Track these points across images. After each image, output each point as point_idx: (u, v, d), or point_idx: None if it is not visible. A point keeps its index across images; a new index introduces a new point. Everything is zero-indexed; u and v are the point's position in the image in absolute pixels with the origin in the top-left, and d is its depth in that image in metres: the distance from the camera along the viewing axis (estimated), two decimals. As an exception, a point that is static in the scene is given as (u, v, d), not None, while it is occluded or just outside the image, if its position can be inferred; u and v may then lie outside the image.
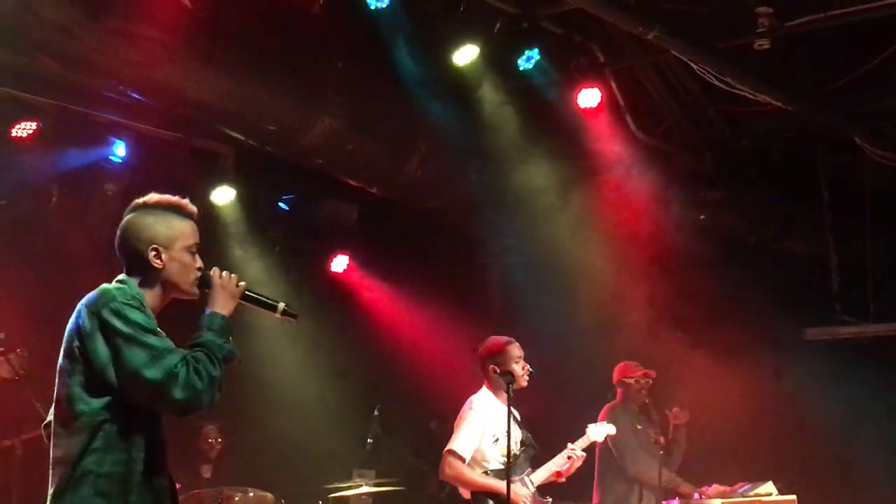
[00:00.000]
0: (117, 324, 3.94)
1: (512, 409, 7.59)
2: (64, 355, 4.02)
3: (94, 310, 3.99)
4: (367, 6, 8.36)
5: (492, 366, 7.60)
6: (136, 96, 7.86)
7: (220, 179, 9.67)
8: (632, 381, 9.18)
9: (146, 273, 4.17)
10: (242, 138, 8.69)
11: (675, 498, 9.09)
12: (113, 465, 3.94)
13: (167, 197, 4.28)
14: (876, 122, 9.72)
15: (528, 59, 8.91)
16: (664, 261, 10.32)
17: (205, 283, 4.23)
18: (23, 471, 7.60)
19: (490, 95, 9.44)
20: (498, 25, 8.73)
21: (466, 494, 7.55)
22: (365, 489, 8.83)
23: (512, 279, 11.80)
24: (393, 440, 9.50)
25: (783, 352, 10.51)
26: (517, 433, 7.63)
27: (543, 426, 8.61)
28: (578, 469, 7.83)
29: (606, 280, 10.60)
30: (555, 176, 9.98)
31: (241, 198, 9.75)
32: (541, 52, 8.95)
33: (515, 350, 7.58)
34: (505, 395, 7.45)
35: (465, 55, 8.98)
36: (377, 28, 8.77)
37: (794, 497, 8.99)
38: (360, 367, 10.83)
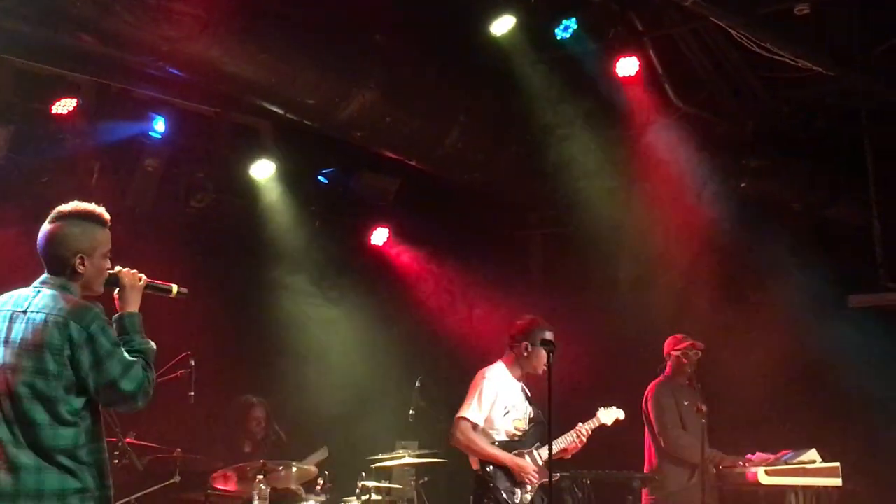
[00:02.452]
0: (102, 340, 4.59)
1: (524, 385, 7.80)
2: (48, 360, 4.56)
3: (83, 325, 4.59)
4: (404, -22, 8.35)
5: (525, 343, 7.67)
6: (175, 72, 7.88)
7: (259, 154, 9.70)
8: (679, 352, 9.16)
9: (70, 276, 4.75)
10: (281, 112, 8.69)
11: (717, 468, 9.08)
12: (98, 453, 4.65)
13: (87, 207, 4.81)
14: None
15: (566, 29, 8.87)
16: (706, 229, 10.25)
17: (113, 282, 4.87)
18: None
19: (528, 66, 9.39)
20: (535, -5, 8.69)
21: (475, 464, 7.62)
22: (408, 460, 8.87)
23: (553, 250, 11.78)
24: (435, 411, 9.51)
25: (827, 319, 10.42)
26: (528, 408, 7.71)
27: (583, 395, 8.63)
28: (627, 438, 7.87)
29: (647, 249, 10.57)
30: (594, 146, 9.93)
31: (281, 172, 9.77)
32: (578, 22, 8.90)
33: (548, 337, 7.63)
34: (520, 373, 7.73)
35: (503, 25, 8.95)
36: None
37: (837, 464, 8.94)
38: (402, 339, 10.85)
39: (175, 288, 5.13)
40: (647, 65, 9.42)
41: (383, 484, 8.86)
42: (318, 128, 9.03)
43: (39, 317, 4.61)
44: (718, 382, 9.58)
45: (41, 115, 8.38)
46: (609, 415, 8.07)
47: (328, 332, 10.29)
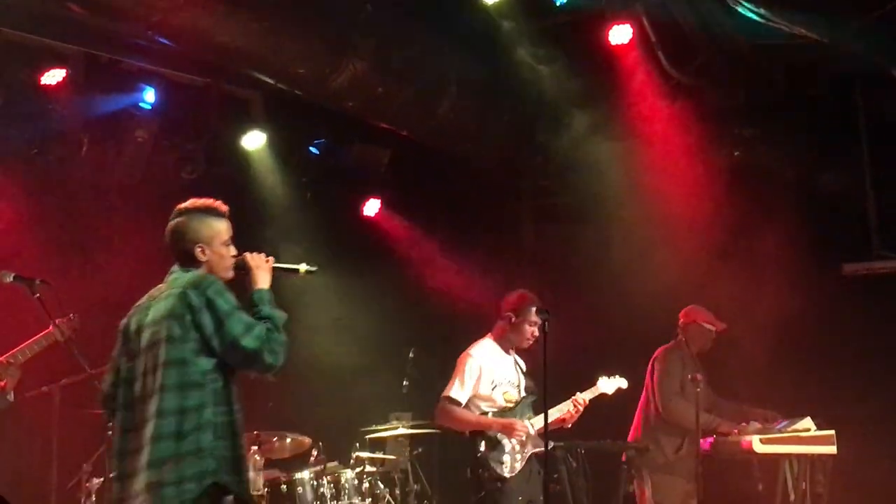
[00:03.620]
0: (220, 302, 4.99)
1: (517, 357, 7.87)
2: (175, 327, 4.97)
3: (200, 290, 5.01)
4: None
5: (510, 315, 7.70)
6: (165, 41, 7.82)
7: (250, 125, 9.65)
8: (710, 328, 9.14)
9: (193, 265, 5.19)
10: (272, 83, 8.64)
11: (711, 436, 9.08)
12: (224, 415, 4.99)
13: (203, 201, 5.28)
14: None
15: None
16: (699, 197, 10.23)
17: (241, 266, 5.28)
18: (60, 414, 7.71)
19: (521, 35, 9.34)
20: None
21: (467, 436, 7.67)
22: (402, 431, 8.86)
23: (545, 220, 11.75)
24: (429, 383, 9.50)
25: (820, 286, 10.41)
26: (521, 380, 7.73)
27: (577, 364, 8.62)
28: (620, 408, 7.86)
29: (641, 220, 10.54)
30: (588, 115, 9.89)
31: (272, 143, 9.73)
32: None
33: (534, 315, 7.66)
34: (509, 346, 7.80)
35: (496, -7, 8.90)
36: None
37: (832, 432, 8.95)
38: (395, 310, 10.81)
39: (303, 267, 5.55)
40: (640, 33, 9.36)
41: (377, 455, 8.86)
42: (309, 98, 8.98)
43: (165, 294, 5.09)
44: (713, 352, 9.58)
45: (29, 86, 8.31)
46: (611, 384, 8.07)
47: (320, 303, 10.25)
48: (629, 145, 10.14)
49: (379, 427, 8.80)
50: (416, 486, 9.08)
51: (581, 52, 9.61)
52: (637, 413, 9.16)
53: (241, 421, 5.06)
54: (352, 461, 8.54)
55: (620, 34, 9.26)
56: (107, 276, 8.74)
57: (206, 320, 4.97)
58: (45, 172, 8.76)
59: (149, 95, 8.95)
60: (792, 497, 9.07)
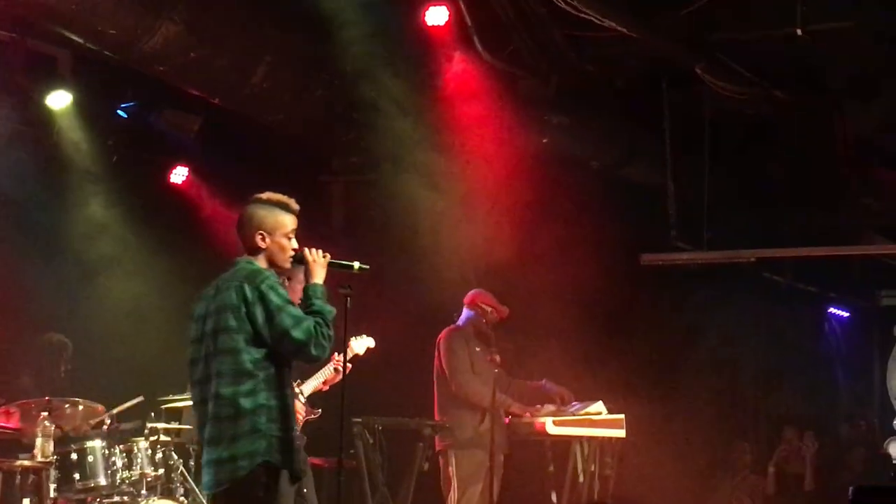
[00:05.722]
0: (272, 296, 5.46)
1: None
2: (230, 318, 5.47)
3: (254, 285, 5.48)
4: None
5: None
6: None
7: (56, 84, 9.38)
8: (488, 309, 9.28)
9: (254, 252, 5.68)
10: (80, 41, 8.41)
11: (507, 417, 9.25)
12: (276, 399, 5.47)
13: (276, 195, 5.76)
14: (716, 52, 9.86)
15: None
16: (507, 183, 10.37)
17: (299, 260, 5.72)
18: None
19: (339, 9, 9.30)
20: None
21: None
22: (198, 402, 8.75)
23: (355, 197, 11.75)
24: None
25: (620, 275, 10.70)
26: None
27: (386, 343, 8.68)
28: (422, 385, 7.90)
29: (450, 200, 10.63)
30: (401, 94, 9.91)
31: (78, 103, 9.48)
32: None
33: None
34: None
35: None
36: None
37: (622, 416, 9.23)
38: (198, 279, 10.61)
39: (357, 264, 5.97)
40: (456, 15, 9.43)
41: (172, 425, 8.73)
42: (119, 60, 8.78)
43: (224, 286, 5.58)
44: (515, 336, 9.77)
45: None
46: (361, 344, 8.20)
47: (120, 268, 10.06)
48: (440, 127, 10.20)
49: (175, 397, 8.68)
50: (211, 458, 8.99)
51: (399, 31, 9.63)
52: (434, 395, 9.26)
53: (291, 404, 5.59)
54: (146, 431, 8.41)
55: (437, 15, 9.33)
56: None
57: (259, 313, 5.44)
58: None
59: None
60: (581, 478, 9.32)
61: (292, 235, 5.73)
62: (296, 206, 5.77)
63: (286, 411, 5.52)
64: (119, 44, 8.41)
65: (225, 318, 5.50)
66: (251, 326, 5.45)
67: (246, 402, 5.42)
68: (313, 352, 5.48)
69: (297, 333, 5.42)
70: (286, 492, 5.52)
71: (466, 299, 9.41)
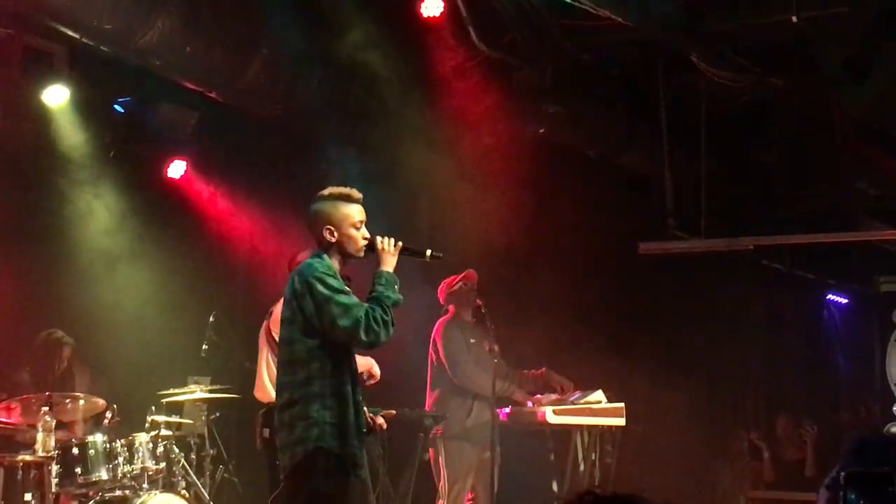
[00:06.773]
0: (319, 287, 5.69)
1: None
2: (286, 309, 5.81)
3: (304, 278, 5.73)
4: None
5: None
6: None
7: (52, 79, 9.37)
8: (456, 287, 9.26)
9: (324, 246, 5.88)
10: (77, 36, 8.41)
11: (508, 406, 9.27)
12: (332, 386, 5.69)
13: (338, 189, 5.94)
14: (713, 41, 9.87)
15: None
16: (505, 173, 10.38)
17: (371, 248, 5.88)
18: None
19: (335, 1, 9.31)
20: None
21: None
22: (199, 395, 8.79)
23: (354, 187, 11.73)
24: (228, 347, 9.46)
25: (617, 264, 10.72)
26: None
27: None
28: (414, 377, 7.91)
29: (447, 192, 10.64)
30: (397, 86, 9.91)
31: (75, 99, 9.47)
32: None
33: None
34: None
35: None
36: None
37: (622, 405, 9.24)
38: (196, 273, 10.68)
39: (429, 252, 6.04)
40: (451, 6, 9.44)
41: (174, 419, 8.76)
42: (116, 54, 8.78)
43: (289, 280, 5.87)
44: (513, 325, 9.77)
45: None
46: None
47: (121, 263, 10.06)
48: (438, 119, 10.21)
49: (176, 391, 8.70)
50: (212, 451, 9.01)
51: (395, 22, 9.63)
52: (427, 388, 9.27)
53: (347, 391, 5.72)
54: (147, 424, 8.42)
55: (432, 6, 9.33)
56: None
57: (307, 304, 5.69)
58: None
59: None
60: (582, 467, 9.35)
61: (360, 225, 5.89)
62: (358, 196, 5.92)
63: (341, 399, 5.70)
64: (115, 38, 8.42)
65: (284, 310, 5.84)
66: (302, 316, 5.70)
67: (299, 391, 5.67)
68: (364, 337, 5.65)
69: (343, 321, 5.62)
70: (344, 476, 5.71)
71: (440, 296, 9.37)
